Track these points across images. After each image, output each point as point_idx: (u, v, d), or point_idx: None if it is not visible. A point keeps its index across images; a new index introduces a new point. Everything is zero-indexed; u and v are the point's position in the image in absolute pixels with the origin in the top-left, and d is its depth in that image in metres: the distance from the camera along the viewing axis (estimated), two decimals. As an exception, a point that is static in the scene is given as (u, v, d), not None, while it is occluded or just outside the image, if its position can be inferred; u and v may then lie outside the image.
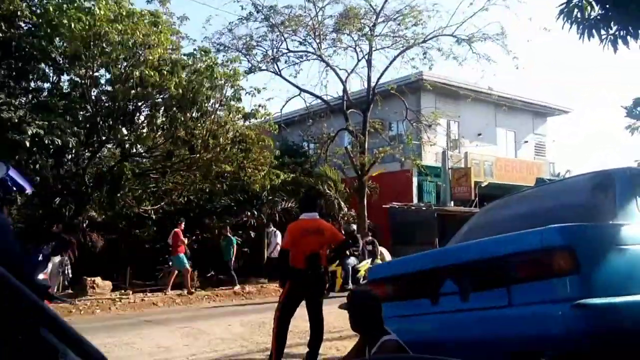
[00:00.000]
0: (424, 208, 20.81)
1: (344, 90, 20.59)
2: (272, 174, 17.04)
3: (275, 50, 21.10)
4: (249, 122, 16.67)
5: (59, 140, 12.58)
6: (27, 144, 12.08)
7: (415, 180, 23.42)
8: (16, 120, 12.21)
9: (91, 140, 15.44)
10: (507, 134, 27.82)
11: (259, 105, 16.34)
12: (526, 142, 28.70)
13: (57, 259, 13.78)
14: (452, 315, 4.04)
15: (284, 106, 21.66)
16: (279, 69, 21.23)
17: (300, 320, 7.22)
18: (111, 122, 15.05)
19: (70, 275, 15.38)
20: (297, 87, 21.39)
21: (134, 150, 16.81)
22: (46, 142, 12.34)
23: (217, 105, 15.95)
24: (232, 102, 15.90)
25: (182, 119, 15.08)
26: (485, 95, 22.63)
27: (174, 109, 14.96)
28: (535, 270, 3.58)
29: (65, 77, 15.80)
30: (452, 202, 23.15)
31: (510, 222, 4.75)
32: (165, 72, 13.94)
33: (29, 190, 4.33)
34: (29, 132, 12.05)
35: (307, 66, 49.21)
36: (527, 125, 28.69)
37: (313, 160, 22.50)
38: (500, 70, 59.36)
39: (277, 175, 17.24)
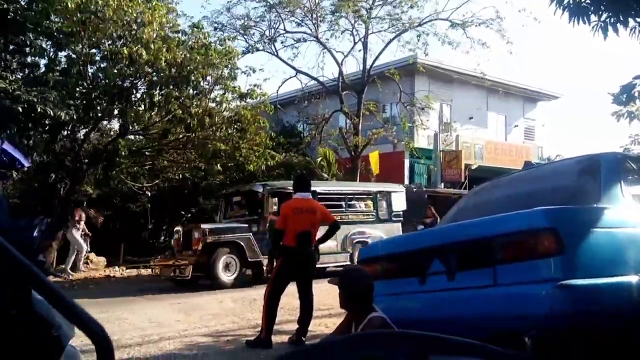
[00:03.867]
0: (414, 189, 20.89)
1: (340, 73, 20.61)
2: (267, 155, 17.05)
3: (272, 31, 21.06)
4: (245, 102, 16.63)
5: (52, 112, 12.51)
6: (20, 109, 11.99)
7: (407, 162, 23.59)
8: (10, 91, 12.15)
9: (87, 117, 15.37)
10: (497, 117, 28.06)
11: (255, 85, 16.30)
12: (516, 126, 28.93)
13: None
14: (439, 294, 4.15)
15: (280, 87, 21.80)
16: (276, 49, 21.22)
17: (290, 297, 7.35)
18: (107, 100, 14.98)
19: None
20: (293, 68, 21.44)
21: (131, 128, 16.78)
22: (38, 110, 12.24)
23: (212, 84, 15.91)
24: (228, 82, 15.84)
25: (178, 96, 15.02)
26: (477, 79, 22.69)
27: (170, 86, 14.89)
28: (521, 251, 3.66)
29: (62, 53, 15.60)
30: (443, 184, 23.32)
31: (498, 204, 4.84)
32: (155, 49, 13.84)
33: (26, 164, 4.33)
34: (22, 99, 11.98)
35: (304, 48, 49.28)
36: (518, 110, 28.91)
37: (307, 140, 22.56)
38: (492, 55, 59.27)
39: (272, 157, 17.25)
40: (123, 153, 15.52)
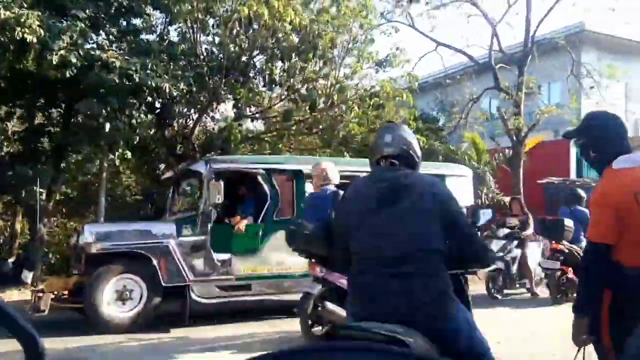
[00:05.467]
0: (593, 184, 16.96)
1: (495, 37, 16.85)
2: (410, 138, 14.03)
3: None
4: (384, 70, 13.70)
5: (152, 82, 10.39)
6: (116, 80, 9.95)
7: (573, 151, 19.54)
8: (104, 58, 10.19)
9: (198, 96, 13.55)
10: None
11: (396, 49, 13.23)
12: None
13: None
14: None
15: (416, 63, 18.86)
16: (412, 19, 18.07)
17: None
18: (220, 76, 12.93)
19: None
20: (433, 40, 18.22)
21: (247, 111, 14.79)
22: (136, 79, 10.16)
23: (344, 51, 13.30)
24: (364, 45, 13.03)
25: (302, 67, 12.48)
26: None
27: (293, 57, 12.39)
28: None
29: (172, 27, 13.98)
30: (625, 179, 19.19)
31: None
32: (280, 6, 11.29)
33: None
34: (116, 65, 9.93)
35: (442, 19, 45.74)
36: None
37: (451, 125, 19.23)
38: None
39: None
40: (236, 138, 13.31)
